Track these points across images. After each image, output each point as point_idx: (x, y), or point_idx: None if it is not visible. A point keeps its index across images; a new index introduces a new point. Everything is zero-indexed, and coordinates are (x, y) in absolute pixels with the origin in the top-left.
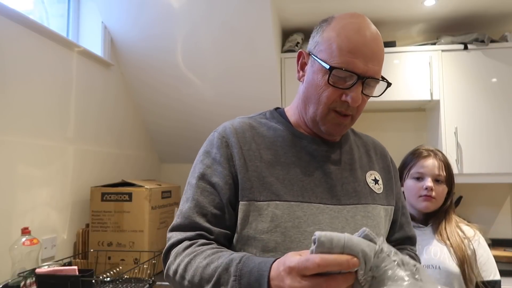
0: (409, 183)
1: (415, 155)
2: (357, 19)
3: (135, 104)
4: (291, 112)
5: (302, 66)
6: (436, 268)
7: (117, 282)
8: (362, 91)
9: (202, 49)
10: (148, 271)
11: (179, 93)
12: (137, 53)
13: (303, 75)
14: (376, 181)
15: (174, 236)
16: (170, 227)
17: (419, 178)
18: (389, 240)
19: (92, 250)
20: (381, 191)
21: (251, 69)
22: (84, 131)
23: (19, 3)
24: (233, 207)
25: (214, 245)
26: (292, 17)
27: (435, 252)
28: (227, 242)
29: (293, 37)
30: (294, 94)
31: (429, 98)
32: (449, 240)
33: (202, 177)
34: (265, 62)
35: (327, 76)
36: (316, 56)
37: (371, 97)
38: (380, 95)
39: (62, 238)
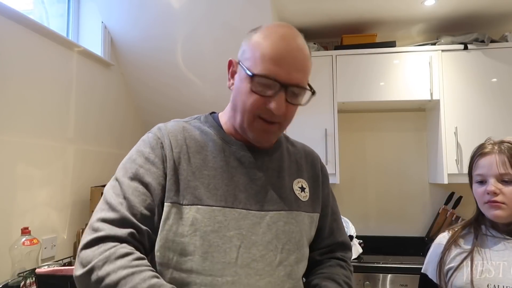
0: (474, 188)
1: (476, 153)
2: (282, 28)
3: (135, 104)
4: (225, 117)
5: (232, 74)
6: None
7: None
8: (286, 100)
9: (202, 49)
10: None
11: (179, 93)
12: (137, 53)
13: (233, 83)
14: (302, 189)
15: (104, 228)
16: (96, 217)
17: (482, 181)
18: (318, 246)
19: None
20: (306, 198)
21: None
22: (84, 131)
23: (19, 3)
24: (160, 207)
25: (147, 263)
26: (292, 17)
27: None
28: (149, 244)
29: None
30: None
31: (429, 98)
32: None
33: (135, 176)
34: None
35: (251, 83)
36: (242, 64)
37: (299, 105)
38: (306, 103)
39: (62, 238)
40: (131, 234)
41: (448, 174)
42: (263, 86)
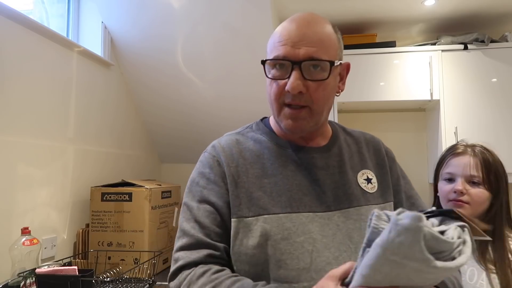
0: (440, 185)
1: (448, 152)
2: (297, 14)
3: (135, 104)
4: (273, 120)
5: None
6: None
7: (117, 282)
8: (304, 77)
9: (202, 49)
10: (148, 271)
11: (179, 93)
12: (137, 53)
13: None
14: (368, 180)
15: (182, 256)
16: (175, 248)
17: (450, 179)
18: None
19: (92, 250)
20: (375, 189)
21: (251, 69)
22: (84, 131)
23: (19, 3)
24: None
25: (228, 272)
26: None
27: (471, 275)
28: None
29: None
30: None
31: (429, 98)
32: (496, 266)
33: (201, 198)
34: None
35: (267, 71)
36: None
37: (322, 80)
38: (328, 78)
39: (62, 238)
40: (208, 255)
41: None
42: (278, 71)
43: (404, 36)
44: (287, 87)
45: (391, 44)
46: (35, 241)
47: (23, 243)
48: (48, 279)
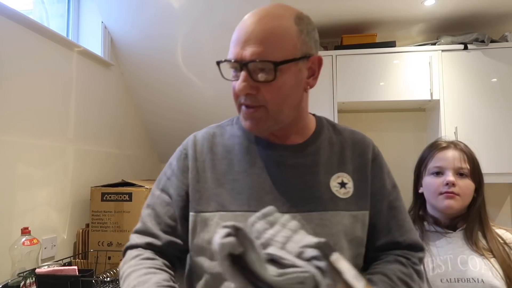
0: (428, 180)
1: (432, 148)
2: (257, 9)
3: (135, 104)
4: None
5: None
6: (478, 281)
7: (117, 282)
8: (253, 78)
9: (202, 49)
10: None
11: (179, 93)
12: (137, 53)
13: None
14: (342, 184)
15: (132, 238)
16: (133, 229)
17: (439, 172)
18: (374, 246)
19: (92, 250)
20: (348, 195)
21: None
22: (84, 131)
23: (19, 3)
24: (186, 219)
25: (157, 262)
26: None
27: (474, 263)
28: (177, 252)
29: None
30: None
31: (429, 98)
32: (491, 251)
33: (163, 188)
34: None
35: (221, 73)
36: None
37: (270, 81)
38: (274, 79)
39: (62, 238)
40: (148, 243)
41: None
42: (233, 72)
43: (404, 36)
44: (236, 89)
45: (391, 44)
46: (35, 241)
47: (23, 243)
48: (48, 279)
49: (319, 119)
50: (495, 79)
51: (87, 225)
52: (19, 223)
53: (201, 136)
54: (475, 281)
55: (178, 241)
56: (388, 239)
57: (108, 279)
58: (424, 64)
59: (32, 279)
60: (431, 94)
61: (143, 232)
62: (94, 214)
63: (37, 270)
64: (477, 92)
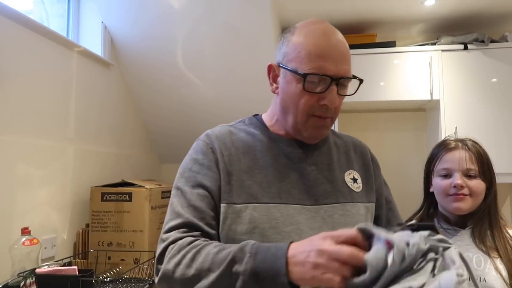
0: (437, 181)
1: (440, 148)
2: (320, 24)
3: (135, 104)
4: (268, 118)
5: (274, 79)
6: (480, 280)
7: (117, 282)
8: (338, 92)
9: (202, 49)
10: (148, 271)
11: (179, 93)
12: (137, 54)
13: (277, 87)
14: (354, 180)
15: (173, 235)
16: (165, 229)
17: (447, 175)
18: None
19: (92, 250)
20: (360, 189)
21: (251, 69)
22: (84, 131)
23: (19, 3)
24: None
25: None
26: (292, 17)
27: (478, 261)
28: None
29: None
30: None
31: (429, 98)
32: (497, 251)
33: (194, 183)
34: (265, 62)
35: (302, 83)
36: (286, 67)
37: (347, 96)
38: (355, 93)
39: (62, 238)
40: (201, 235)
41: None
42: (314, 84)
43: (404, 36)
44: (326, 102)
45: (391, 44)
46: (35, 241)
47: (23, 243)
48: (48, 279)
49: None
50: (495, 79)
51: (87, 225)
52: (19, 223)
53: (219, 132)
54: (476, 279)
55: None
56: (388, 228)
57: (108, 279)
58: (424, 64)
59: (32, 279)
60: (431, 94)
61: (187, 226)
62: (94, 214)
63: (37, 270)
64: (477, 92)
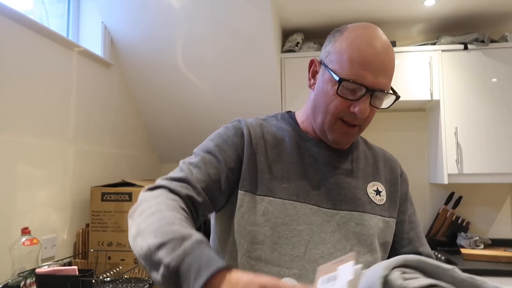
0: None
1: None
2: (370, 30)
3: (136, 104)
4: (301, 116)
5: (313, 74)
6: None
7: (117, 282)
8: (370, 103)
9: (203, 50)
10: None
11: (179, 94)
12: (137, 54)
13: (314, 83)
14: (378, 192)
15: (169, 183)
16: (163, 177)
17: None
18: (396, 254)
19: (92, 250)
20: (382, 202)
21: (251, 69)
22: (84, 131)
23: (19, 3)
24: (231, 191)
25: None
26: (292, 17)
27: None
28: (204, 216)
29: (293, 37)
30: (293, 95)
31: (429, 98)
32: None
33: (209, 151)
34: (265, 63)
35: (336, 86)
36: (327, 66)
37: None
38: (389, 107)
39: (62, 238)
40: (188, 197)
41: (448, 174)
42: (349, 90)
43: (404, 36)
44: (356, 110)
45: (391, 44)
46: (35, 241)
47: (23, 243)
48: (48, 279)
49: None
50: (495, 79)
51: (87, 225)
52: (19, 223)
53: (251, 122)
54: None
55: (210, 203)
56: (410, 248)
57: (108, 279)
58: (424, 64)
59: (32, 279)
60: (431, 94)
61: (185, 181)
62: (94, 214)
63: (37, 270)
64: (477, 92)
